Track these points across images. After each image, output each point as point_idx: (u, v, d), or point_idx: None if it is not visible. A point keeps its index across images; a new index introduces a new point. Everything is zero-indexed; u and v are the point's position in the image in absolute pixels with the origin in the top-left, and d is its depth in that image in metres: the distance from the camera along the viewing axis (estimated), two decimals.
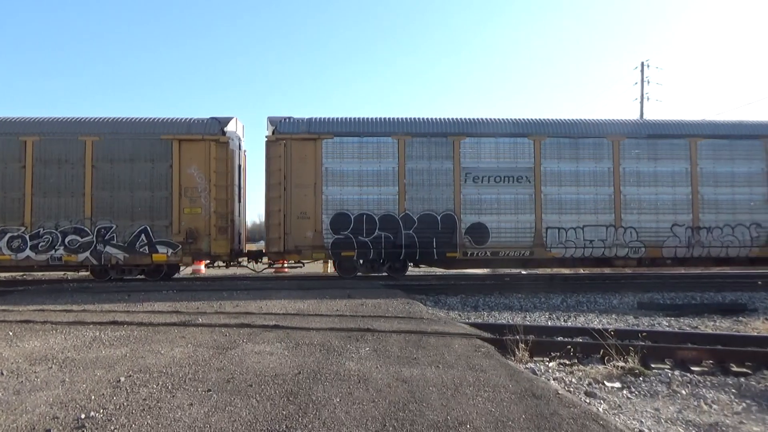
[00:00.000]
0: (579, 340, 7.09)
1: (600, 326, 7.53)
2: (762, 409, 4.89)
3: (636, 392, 5.36)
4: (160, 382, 4.63)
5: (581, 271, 16.99)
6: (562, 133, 13.99)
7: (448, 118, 14.15)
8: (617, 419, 4.43)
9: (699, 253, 13.92)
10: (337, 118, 13.92)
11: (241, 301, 9.67)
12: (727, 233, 13.95)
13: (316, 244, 13.46)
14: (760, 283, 12.07)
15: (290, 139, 13.55)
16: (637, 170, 13.99)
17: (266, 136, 13.75)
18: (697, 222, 13.93)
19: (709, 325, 8.90)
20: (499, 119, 14.19)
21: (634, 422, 4.45)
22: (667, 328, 8.51)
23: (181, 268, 15.03)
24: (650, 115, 32.70)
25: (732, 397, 5.20)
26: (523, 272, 16.58)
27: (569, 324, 8.87)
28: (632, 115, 34.41)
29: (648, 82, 33.42)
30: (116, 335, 6.69)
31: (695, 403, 5.02)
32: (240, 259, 15.04)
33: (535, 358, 6.37)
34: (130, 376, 4.84)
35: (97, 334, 6.78)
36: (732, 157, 14.11)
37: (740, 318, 9.56)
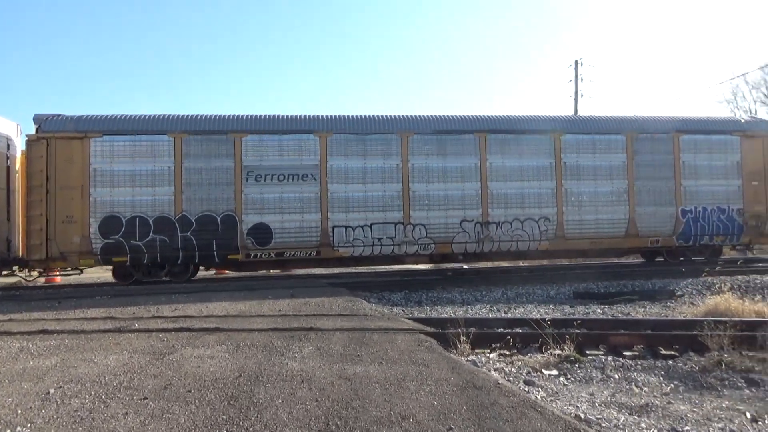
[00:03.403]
0: (518, 330, 7.30)
1: (538, 316, 7.75)
2: (688, 389, 5.17)
3: (572, 378, 5.56)
4: (93, 392, 4.44)
5: (521, 263, 17.43)
6: (349, 129, 13.66)
7: (228, 115, 13.62)
8: (554, 405, 4.58)
9: (489, 247, 13.90)
10: (108, 116, 13.15)
11: (181, 304, 9.40)
12: (517, 227, 14.02)
13: (84, 249, 12.48)
14: (684, 270, 12.71)
15: (54, 138, 12.50)
16: (427, 166, 13.77)
17: (27, 135, 12.68)
18: (487, 217, 13.87)
19: (640, 312, 9.33)
20: (283, 116, 13.81)
21: (570, 407, 4.61)
22: (601, 316, 8.87)
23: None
24: (584, 111, 33.82)
25: (661, 379, 5.47)
26: (465, 266, 16.86)
27: (509, 315, 9.11)
28: (567, 112, 35.50)
29: (582, 80, 34.63)
30: (45, 345, 6.36)
31: (627, 387, 5.26)
32: (14, 267, 13.57)
33: (476, 350, 6.51)
34: (60, 387, 4.61)
35: (25, 344, 6.43)
36: (521, 152, 14.12)
37: (668, 303, 10.07)
